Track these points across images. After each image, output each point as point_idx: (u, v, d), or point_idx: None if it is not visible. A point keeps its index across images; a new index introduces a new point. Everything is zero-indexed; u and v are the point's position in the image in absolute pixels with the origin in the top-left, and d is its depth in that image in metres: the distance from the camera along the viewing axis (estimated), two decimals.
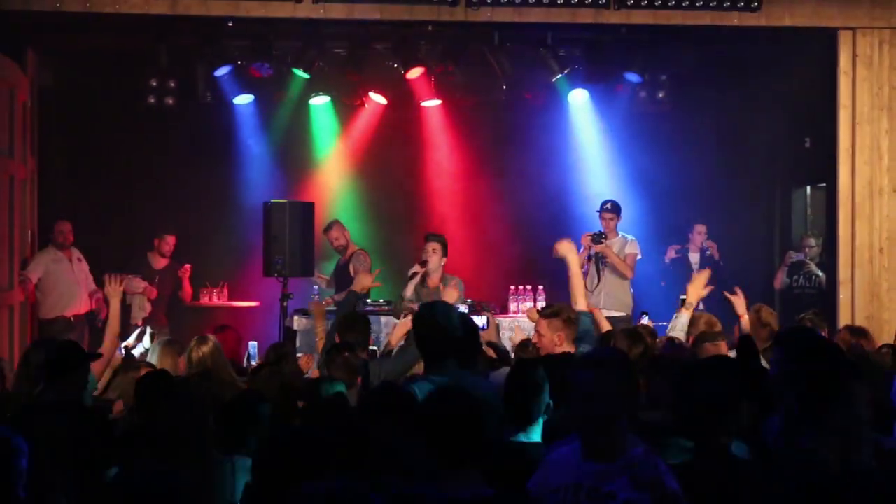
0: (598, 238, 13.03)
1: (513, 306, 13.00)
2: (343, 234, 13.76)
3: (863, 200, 12.52)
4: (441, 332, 6.32)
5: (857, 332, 9.35)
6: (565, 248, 8.90)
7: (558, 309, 8.41)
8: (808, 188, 14.91)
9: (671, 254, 14.07)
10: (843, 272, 12.57)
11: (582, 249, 12.96)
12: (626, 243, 13.32)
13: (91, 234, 13.95)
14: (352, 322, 8.82)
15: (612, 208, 13.37)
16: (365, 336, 8.79)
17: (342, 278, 13.53)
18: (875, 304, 12.45)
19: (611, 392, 4.69)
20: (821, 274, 13.68)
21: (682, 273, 13.60)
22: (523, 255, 14.78)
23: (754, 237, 14.52)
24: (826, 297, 13.17)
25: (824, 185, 13.95)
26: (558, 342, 8.12)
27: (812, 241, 14.00)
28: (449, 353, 6.30)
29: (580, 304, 8.59)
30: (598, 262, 13.17)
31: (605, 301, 12.91)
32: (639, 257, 13.30)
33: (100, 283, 13.65)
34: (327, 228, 13.79)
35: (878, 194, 12.50)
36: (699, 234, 14.22)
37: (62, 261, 13.37)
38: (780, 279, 13.96)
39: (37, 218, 13.29)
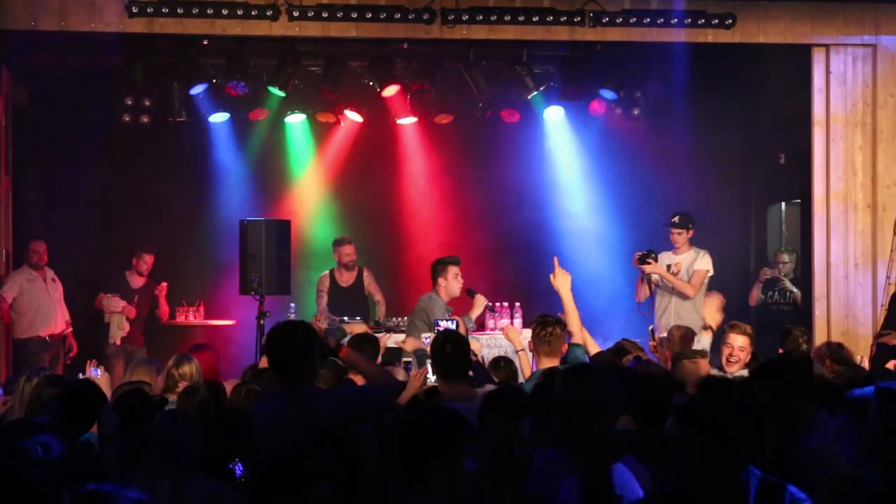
0: (644, 258, 12.19)
1: (490, 323, 12.98)
2: (355, 250, 13.97)
3: (837, 216, 12.59)
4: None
5: (834, 347, 9.40)
6: (559, 282, 8.85)
7: (535, 322, 8.55)
8: (783, 204, 14.97)
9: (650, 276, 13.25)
10: (819, 288, 12.64)
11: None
12: (696, 259, 12.35)
13: (67, 253, 13.89)
14: (362, 342, 8.78)
15: (679, 222, 12.43)
16: (374, 356, 8.73)
17: (356, 293, 13.82)
18: (850, 319, 12.51)
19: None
20: (795, 290, 13.71)
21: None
22: (500, 272, 14.78)
23: (729, 253, 14.55)
24: (801, 313, 13.22)
25: (799, 201, 14.01)
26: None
27: (785, 258, 14.04)
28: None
29: (576, 336, 8.62)
30: (649, 282, 12.37)
31: (674, 321, 11.77)
32: (710, 273, 12.30)
33: (75, 305, 13.68)
34: (342, 243, 13.97)
35: (853, 210, 12.58)
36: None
37: (37, 280, 13.32)
38: (755, 295, 13.98)
39: (11, 237, 13.22)
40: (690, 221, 12.40)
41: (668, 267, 12.34)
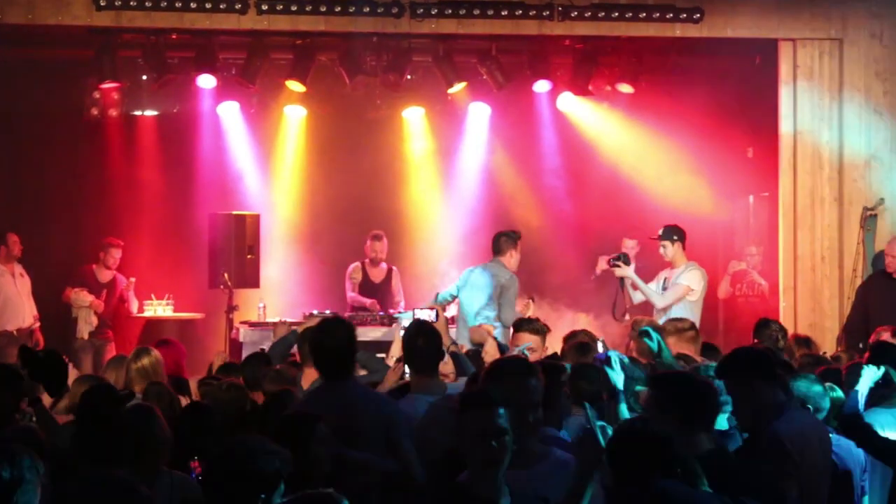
0: (614, 262, 11.70)
1: None
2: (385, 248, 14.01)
3: (804, 210, 12.66)
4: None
5: (801, 340, 9.45)
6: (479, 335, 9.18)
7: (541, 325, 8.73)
8: (751, 197, 15.02)
9: (602, 265, 12.88)
10: (786, 280, 12.70)
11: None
12: (682, 273, 11.56)
13: (35, 247, 13.83)
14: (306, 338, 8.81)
15: (662, 235, 11.72)
16: None
17: (385, 289, 13.92)
18: (817, 311, 12.59)
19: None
20: (763, 282, 13.79)
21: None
22: (468, 265, 14.79)
23: (697, 246, 14.61)
24: (768, 305, 13.28)
25: (767, 194, 14.07)
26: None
27: (753, 250, 14.12)
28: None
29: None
30: (621, 287, 11.86)
31: None
32: (692, 290, 11.42)
33: (42, 299, 13.63)
34: (380, 238, 13.88)
35: (820, 204, 12.65)
36: (630, 249, 13.76)
37: (5, 274, 13.27)
38: (723, 288, 14.05)
39: None
40: (673, 233, 11.70)
41: (665, 280, 11.76)
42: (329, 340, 6.43)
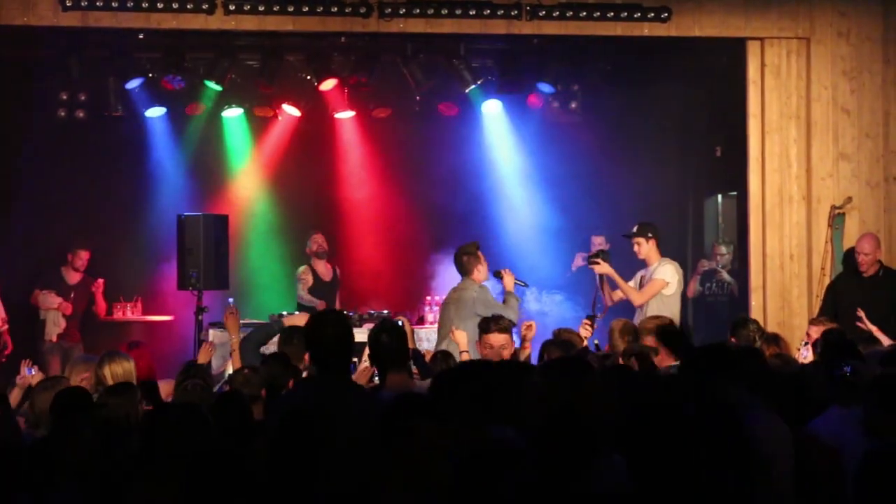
0: (591, 259, 11.54)
1: (430, 317, 13.01)
2: (324, 240, 14.33)
3: (773, 208, 12.69)
4: None
5: (770, 338, 9.46)
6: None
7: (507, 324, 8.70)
8: (720, 196, 15.08)
9: (578, 261, 12.96)
10: (755, 279, 12.74)
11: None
12: (656, 269, 11.40)
13: (2, 249, 13.74)
14: (290, 334, 8.70)
15: (636, 232, 11.53)
16: (301, 350, 8.68)
17: (334, 288, 14.25)
18: (786, 310, 12.62)
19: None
20: (732, 281, 13.85)
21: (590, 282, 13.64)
22: (438, 266, 14.79)
23: (666, 246, 14.65)
24: (738, 304, 13.33)
25: (735, 193, 14.11)
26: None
27: (723, 249, 14.17)
28: None
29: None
30: (600, 284, 11.56)
31: None
32: (668, 284, 11.24)
33: (10, 302, 13.54)
34: (316, 230, 14.22)
35: (788, 202, 12.68)
36: (598, 246, 13.71)
37: None
38: (693, 287, 14.09)
39: None
40: (648, 231, 11.55)
41: (641, 279, 11.60)
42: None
